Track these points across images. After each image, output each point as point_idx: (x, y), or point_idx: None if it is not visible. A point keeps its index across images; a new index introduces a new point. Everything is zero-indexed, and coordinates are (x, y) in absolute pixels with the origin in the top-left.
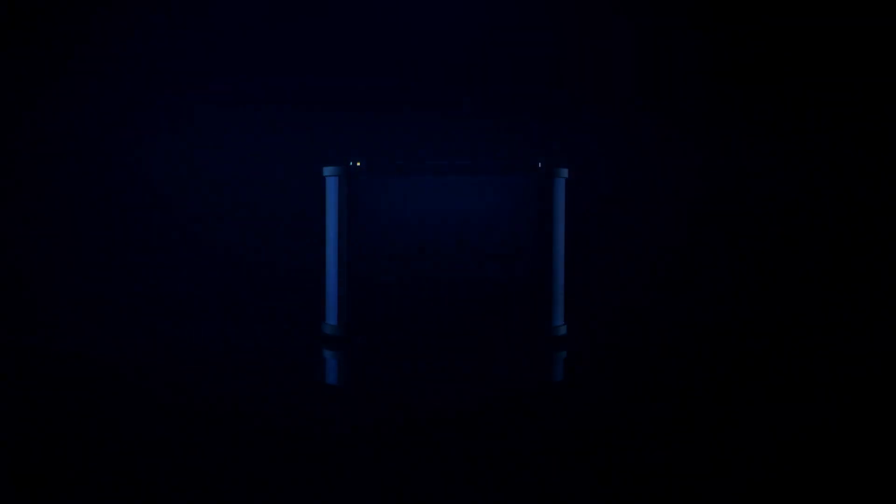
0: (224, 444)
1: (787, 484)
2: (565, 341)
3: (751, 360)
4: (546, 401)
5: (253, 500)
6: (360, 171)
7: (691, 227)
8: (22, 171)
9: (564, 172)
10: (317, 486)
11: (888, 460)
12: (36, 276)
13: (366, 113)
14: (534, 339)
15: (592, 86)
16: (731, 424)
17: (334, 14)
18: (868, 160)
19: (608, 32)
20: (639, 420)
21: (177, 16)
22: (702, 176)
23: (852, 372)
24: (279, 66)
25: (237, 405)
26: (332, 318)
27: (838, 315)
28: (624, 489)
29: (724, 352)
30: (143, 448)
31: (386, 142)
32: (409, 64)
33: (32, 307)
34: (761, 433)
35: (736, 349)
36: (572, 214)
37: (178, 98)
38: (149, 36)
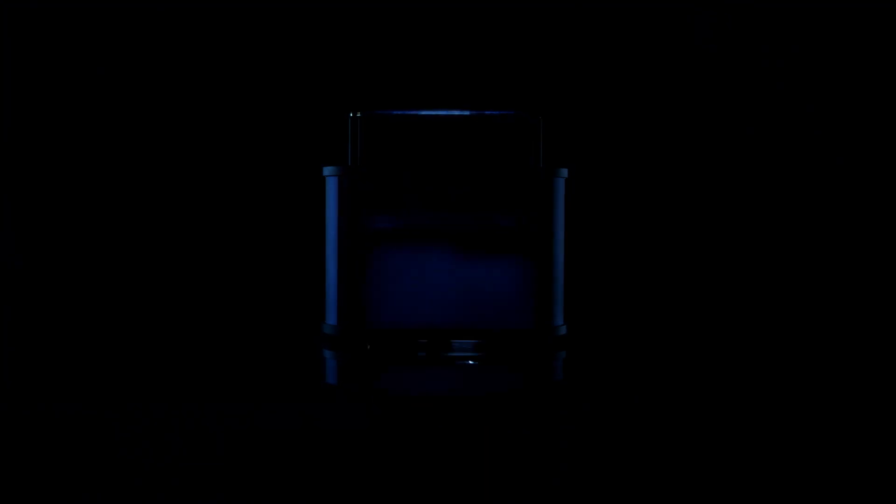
0: (223, 445)
1: (788, 484)
2: (565, 341)
3: (752, 360)
4: (545, 401)
5: (253, 500)
6: (360, 121)
7: (693, 225)
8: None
9: (564, 172)
10: (317, 487)
11: (888, 460)
12: (34, 276)
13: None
14: (533, 338)
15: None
16: (732, 425)
17: None
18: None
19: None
20: (638, 420)
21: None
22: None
23: (852, 372)
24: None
25: (236, 405)
26: (332, 318)
27: (840, 316)
28: (624, 489)
29: (724, 352)
30: (140, 450)
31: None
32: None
33: (30, 305)
34: (762, 433)
35: (736, 349)
36: (572, 214)
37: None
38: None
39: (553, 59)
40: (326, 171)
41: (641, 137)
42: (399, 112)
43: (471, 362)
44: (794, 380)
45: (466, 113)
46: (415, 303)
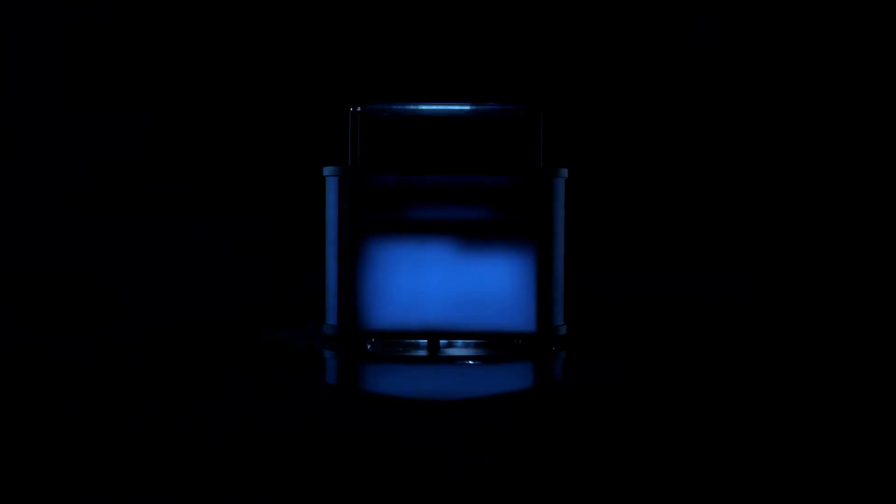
0: (223, 445)
1: (788, 484)
2: (565, 341)
3: (751, 360)
4: (545, 401)
5: (253, 500)
6: (360, 116)
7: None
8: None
9: (564, 172)
10: (317, 487)
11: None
12: (33, 276)
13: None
14: (532, 337)
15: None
16: (732, 425)
17: None
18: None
19: None
20: (638, 420)
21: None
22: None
23: (851, 371)
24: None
25: (236, 405)
26: (332, 318)
27: (840, 315)
28: (623, 489)
29: (723, 351)
30: (140, 450)
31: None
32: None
33: (29, 305)
34: (762, 433)
35: (735, 349)
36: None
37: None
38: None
39: (554, 59)
40: (326, 170)
41: (642, 137)
42: (399, 106)
43: (470, 362)
44: (793, 379)
45: (467, 107)
46: (414, 302)
